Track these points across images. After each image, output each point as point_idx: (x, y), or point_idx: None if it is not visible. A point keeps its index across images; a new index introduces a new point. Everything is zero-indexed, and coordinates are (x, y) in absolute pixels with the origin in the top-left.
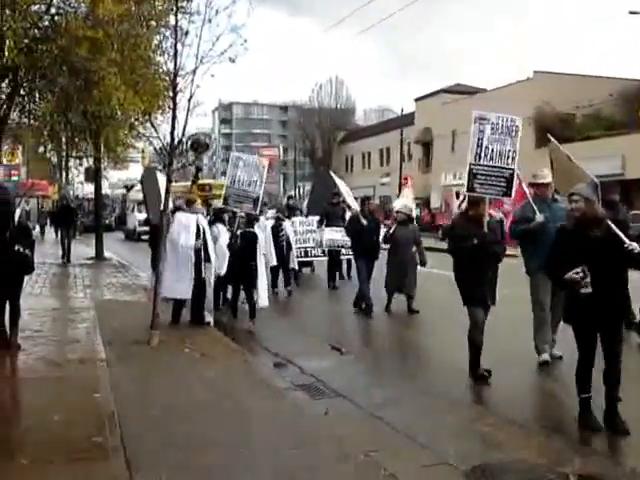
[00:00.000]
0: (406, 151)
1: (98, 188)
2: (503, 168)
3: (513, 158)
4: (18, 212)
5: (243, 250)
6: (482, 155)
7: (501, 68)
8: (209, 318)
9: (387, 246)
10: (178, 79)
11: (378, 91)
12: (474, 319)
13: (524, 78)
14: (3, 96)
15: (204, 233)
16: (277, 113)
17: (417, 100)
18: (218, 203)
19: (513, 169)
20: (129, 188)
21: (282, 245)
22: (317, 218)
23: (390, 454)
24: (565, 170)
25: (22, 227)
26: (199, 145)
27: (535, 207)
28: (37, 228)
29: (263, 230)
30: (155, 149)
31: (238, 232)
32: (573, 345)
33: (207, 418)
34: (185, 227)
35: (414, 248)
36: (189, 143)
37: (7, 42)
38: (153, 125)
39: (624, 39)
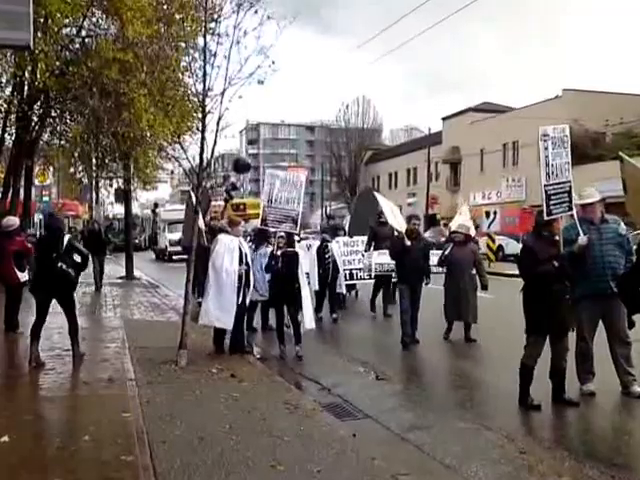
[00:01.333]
0: (433, 170)
1: (128, 208)
2: (565, 182)
3: (568, 170)
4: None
5: (284, 271)
6: (550, 174)
7: (530, 86)
8: (250, 346)
9: (443, 269)
10: (207, 100)
11: (405, 110)
12: (532, 349)
13: (553, 96)
14: (35, 118)
15: (246, 257)
16: (304, 133)
17: (444, 119)
18: (255, 223)
19: (570, 181)
20: (156, 206)
21: (328, 268)
22: (362, 238)
23: (419, 477)
24: None
25: (71, 248)
26: (241, 166)
27: (580, 228)
28: None
29: (305, 251)
30: (184, 170)
31: (278, 252)
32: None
33: (236, 438)
34: (230, 250)
35: (473, 270)
36: (232, 164)
37: (39, 65)
38: (182, 146)
39: None
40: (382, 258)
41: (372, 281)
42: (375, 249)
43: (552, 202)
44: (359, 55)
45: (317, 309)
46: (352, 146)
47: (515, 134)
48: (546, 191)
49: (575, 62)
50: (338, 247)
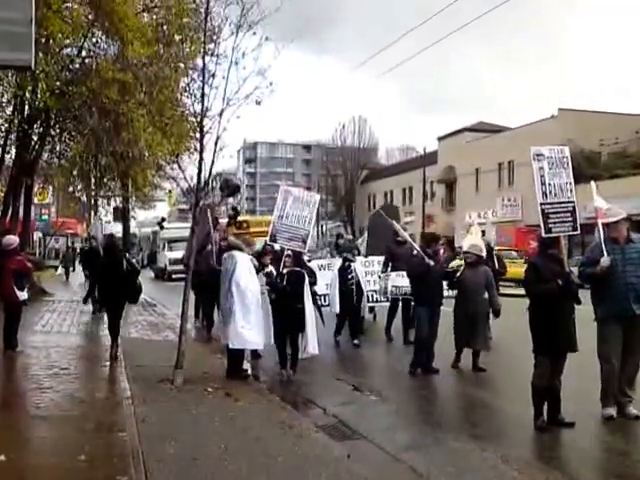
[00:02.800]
0: (429, 190)
1: (126, 227)
2: (567, 202)
3: (571, 190)
4: None
5: (289, 291)
6: (547, 193)
7: (526, 106)
8: (247, 367)
9: (453, 292)
10: (205, 121)
11: (401, 130)
12: (541, 369)
13: (549, 116)
14: (35, 137)
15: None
16: (301, 152)
17: (440, 139)
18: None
19: (574, 201)
20: (163, 220)
21: (351, 289)
22: (379, 259)
23: None
24: None
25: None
26: (229, 187)
27: (604, 248)
28: (59, 269)
29: (319, 271)
30: (182, 190)
31: (284, 271)
32: None
33: (230, 458)
34: (248, 269)
35: (485, 294)
36: (218, 185)
37: (40, 85)
38: (180, 166)
39: None
40: (400, 280)
41: (387, 304)
42: (392, 270)
43: (551, 220)
44: (356, 74)
45: (337, 332)
46: (348, 165)
47: (510, 154)
48: (542, 210)
49: (571, 82)
50: (361, 266)
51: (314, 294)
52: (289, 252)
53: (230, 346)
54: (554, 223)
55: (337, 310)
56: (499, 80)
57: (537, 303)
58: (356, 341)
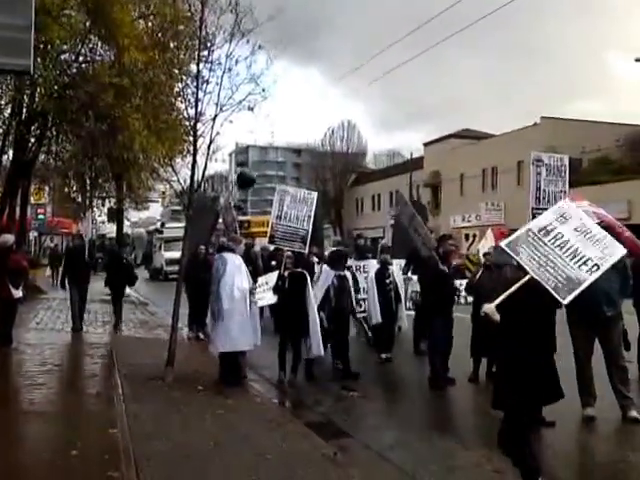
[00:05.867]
0: (415, 194)
1: (120, 227)
2: None
3: (562, 199)
4: None
5: (291, 293)
6: (541, 198)
7: (509, 114)
8: (245, 371)
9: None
10: (199, 125)
11: (388, 136)
12: None
13: (531, 124)
14: (32, 139)
15: (249, 277)
16: (291, 156)
17: (426, 145)
18: (263, 241)
19: None
20: (162, 225)
21: (390, 296)
22: (402, 262)
23: None
24: None
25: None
26: (245, 180)
27: None
28: (47, 271)
29: (351, 275)
30: (176, 192)
31: (285, 273)
32: None
33: (220, 455)
34: (238, 269)
35: None
36: (235, 178)
37: (38, 89)
38: (174, 169)
39: (631, 86)
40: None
41: (412, 313)
42: (414, 273)
43: None
44: (345, 81)
45: (383, 348)
46: (337, 169)
47: (494, 160)
48: (534, 214)
49: (553, 91)
50: (399, 270)
51: (354, 302)
52: (289, 253)
53: (221, 350)
54: None
55: (379, 320)
56: (483, 89)
57: None
58: (386, 355)
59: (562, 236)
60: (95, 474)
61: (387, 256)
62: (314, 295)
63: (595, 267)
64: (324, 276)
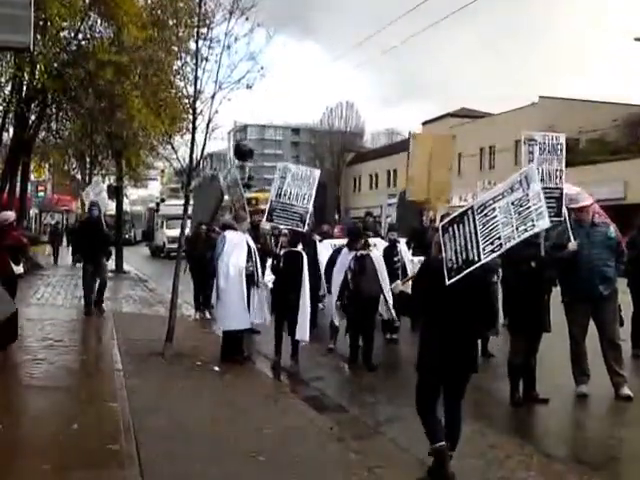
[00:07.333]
0: None
1: (119, 205)
2: (553, 189)
3: (560, 177)
4: None
5: (286, 272)
6: None
7: (507, 92)
8: (248, 350)
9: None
10: (197, 103)
11: (386, 114)
12: (515, 347)
13: (529, 103)
14: (32, 117)
15: (255, 255)
16: (289, 135)
17: (424, 124)
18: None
19: (562, 188)
20: (162, 201)
21: (397, 274)
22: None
23: (393, 470)
24: None
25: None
26: (242, 151)
27: (571, 233)
28: (47, 249)
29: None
30: (175, 169)
31: (281, 252)
32: None
33: (218, 429)
34: (237, 246)
35: (495, 277)
36: (232, 150)
37: (38, 66)
38: (173, 147)
39: (629, 65)
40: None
41: None
42: (414, 255)
43: None
44: (344, 59)
45: (391, 329)
46: (335, 148)
47: (492, 139)
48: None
49: (552, 70)
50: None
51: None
52: (286, 231)
53: (223, 329)
54: None
55: (389, 300)
56: (483, 68)
57: (508, 284)
58: (392, 335)
59: (492, 212)
60: (95, 447)
61: (395, 234)
62: (333, 280)
63: (498, 247)
64: (341, 258)
